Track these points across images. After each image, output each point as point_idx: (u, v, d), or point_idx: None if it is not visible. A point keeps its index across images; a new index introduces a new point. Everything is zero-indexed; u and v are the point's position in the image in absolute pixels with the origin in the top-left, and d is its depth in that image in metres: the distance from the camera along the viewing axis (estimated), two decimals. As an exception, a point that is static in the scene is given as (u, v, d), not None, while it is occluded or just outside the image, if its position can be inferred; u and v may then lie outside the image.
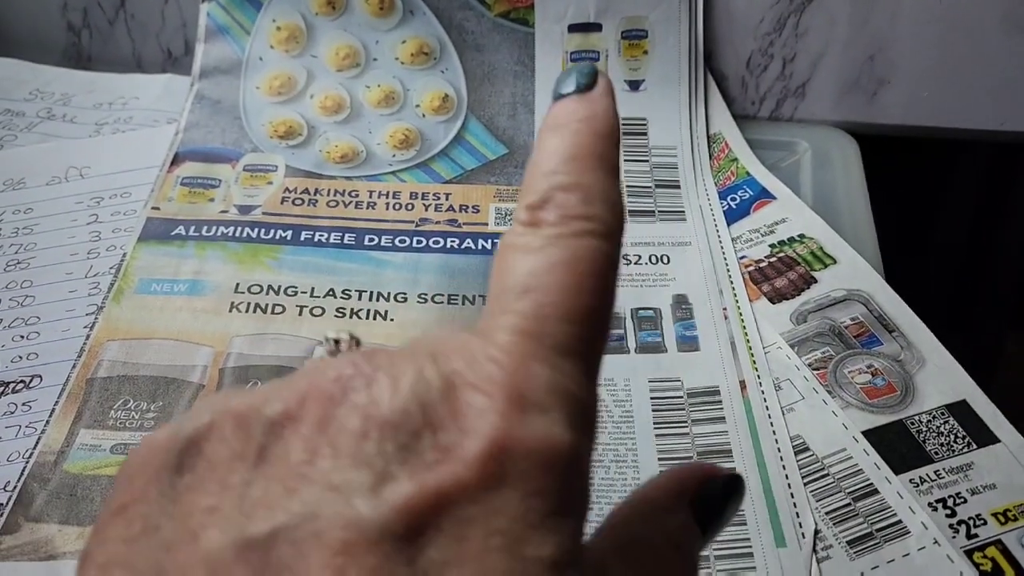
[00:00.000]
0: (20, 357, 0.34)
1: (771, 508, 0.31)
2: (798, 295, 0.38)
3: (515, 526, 0.15)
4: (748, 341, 0.36)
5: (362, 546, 0.14)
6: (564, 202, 0.17)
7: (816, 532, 0.30)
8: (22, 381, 0.34)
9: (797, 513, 0.31)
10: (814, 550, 0.30)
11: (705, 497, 0.20)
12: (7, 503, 0.30)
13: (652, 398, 0.34)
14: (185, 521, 0.15)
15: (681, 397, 0.34)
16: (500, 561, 0.15)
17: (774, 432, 0.33)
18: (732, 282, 0.39)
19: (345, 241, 0.40)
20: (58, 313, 0.36)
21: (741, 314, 0.37)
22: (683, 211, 0.42)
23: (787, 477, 0.32)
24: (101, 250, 0.38)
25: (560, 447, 0.16)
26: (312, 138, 0.44)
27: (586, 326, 0.17)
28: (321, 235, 0.40)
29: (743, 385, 0.35)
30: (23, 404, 0.33)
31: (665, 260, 0.40)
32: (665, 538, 0.20)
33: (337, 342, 0.19)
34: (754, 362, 0.35)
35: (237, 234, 0.40)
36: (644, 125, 0.45)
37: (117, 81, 0.48)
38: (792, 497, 0.31)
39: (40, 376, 0.34)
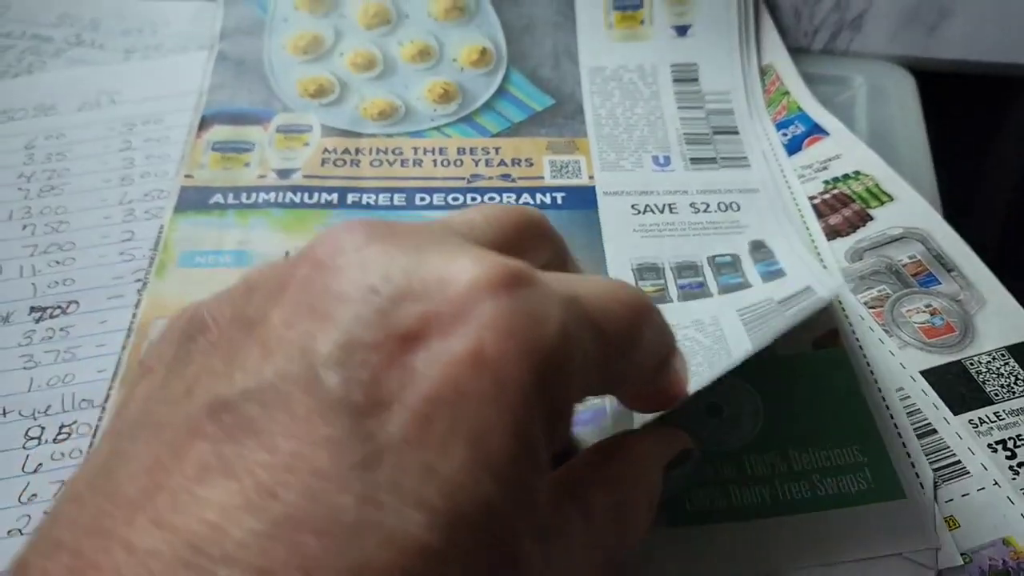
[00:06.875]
0: (57, 282, 0.33)
1: None
2: (853, 232, 0.36)
3: (483, 424, 0.14)
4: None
5: (321, 415, 0.13)
6: None
7: None
8: (59, 307, 0.33)
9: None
10: None
11: (675, 466, 0.23)
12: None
13: (742, 319, 0.32)
14: (187, 380, 0.15)
15: (772, 305, 0.33)
16: (463, 451, 0.14)
17: (868, 364, 0.32)
18: (806, 223, 0.37)
19: (395, 202, 0.37)
20: (93, 239, 0.35)
21: (818, 250, 0.36)
22: (746, 157, 0.40)
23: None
24: (135, 176, 0.38)
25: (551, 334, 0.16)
26: (345, 95, 0.41)
27: None
28: (369, 197, 0.37)
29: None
30: (60, 329, 0.32)
31: (735, 207, 0.38)
32: (645, 489, 0.21)
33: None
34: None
35: (280, 200, 0.37)
36: (695, 70, 0.43)
37: (146, 8, 0.46)
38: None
39: (77, 302, 0.33)
